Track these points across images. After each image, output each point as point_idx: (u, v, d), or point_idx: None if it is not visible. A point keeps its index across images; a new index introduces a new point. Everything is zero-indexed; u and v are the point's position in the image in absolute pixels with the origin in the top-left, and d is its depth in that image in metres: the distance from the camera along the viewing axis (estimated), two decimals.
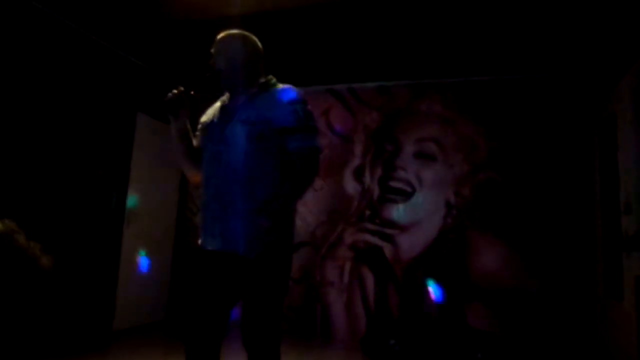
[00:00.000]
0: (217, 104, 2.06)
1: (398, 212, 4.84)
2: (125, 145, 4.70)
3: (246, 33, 2.03)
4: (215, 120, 1.98)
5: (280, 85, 1.97)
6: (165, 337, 4.78)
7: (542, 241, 4.38)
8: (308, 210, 5.10)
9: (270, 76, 2.03)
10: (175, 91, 1.93)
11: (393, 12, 3.78)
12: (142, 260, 4.73)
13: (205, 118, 2.06)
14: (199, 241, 1.94)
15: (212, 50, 2.03)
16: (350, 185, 5.05)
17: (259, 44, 2.06)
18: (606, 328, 3.92)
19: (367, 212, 4.94)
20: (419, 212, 4.78)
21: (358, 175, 5.02)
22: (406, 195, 4.85)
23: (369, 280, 4.83)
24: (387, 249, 4.81)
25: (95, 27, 4.14)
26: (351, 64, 4.76)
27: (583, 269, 4.24)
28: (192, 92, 1.96)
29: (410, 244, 4.76)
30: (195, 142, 2.05)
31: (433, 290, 4.15)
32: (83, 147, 4.16)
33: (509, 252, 4.46)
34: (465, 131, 4.79)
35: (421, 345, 3.99)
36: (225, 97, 2.05)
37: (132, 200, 4.77)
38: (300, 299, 4.93)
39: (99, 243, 4.31)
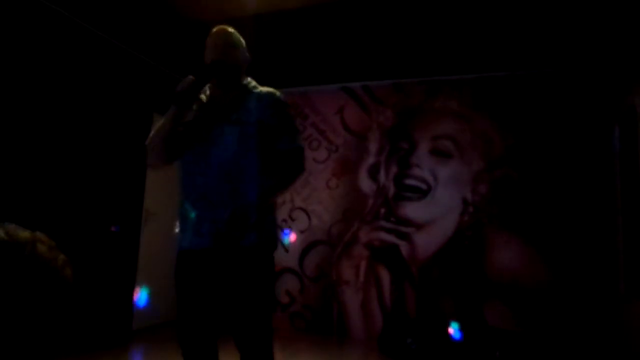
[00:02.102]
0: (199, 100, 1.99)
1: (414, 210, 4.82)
2: (141, 145, 4.74)
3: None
4: (197, 117, 1.93)
5: (261, 88, 2.00)
6: None
7: (561, 238, 4.32)
8: (323, 209, 5.10)
9: (250, 78, 2.05)
10: (187, 81, 1.87)
11: (407, 9, 3.76)
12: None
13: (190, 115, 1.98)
14: (180, 241, 1.90)
15: (220, 42, 1.96)
16: (366, 184, 5.04)
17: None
18: (627, 326, 3.85)
19: (383, 210, 4.93)
20: (435, 210, 4.75)
21: (373, 173, 5.01)
22: (422, 193, 4.82)
23: (385, 278, 4.82)
24: (403, 247, 4.79)
25: (111, 29, 4.19)
26: (365, 62, 4.75)
27: (603, 266, 4.17)
28: (198, 82, 1.88)
29: (427, 242, 4.73)
30: None
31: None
32: (100, 148, 4.21)
33: (527, 250, 4.41)
34: (481, 128, 4.74)
35: (438, 344, 3.97)
36: (204, 95, 2.00)
37: (149, 199, 4.82)
38: (317, 298, 4.94)
39: (117, 243, 4.36)
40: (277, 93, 1.98)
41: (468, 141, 4.76)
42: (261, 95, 1.95)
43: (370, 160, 5.03)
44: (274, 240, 1.92)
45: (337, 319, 4.86)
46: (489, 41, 4.17)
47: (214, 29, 1.99)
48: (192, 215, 1.85)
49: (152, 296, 4.81)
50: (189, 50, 4.65)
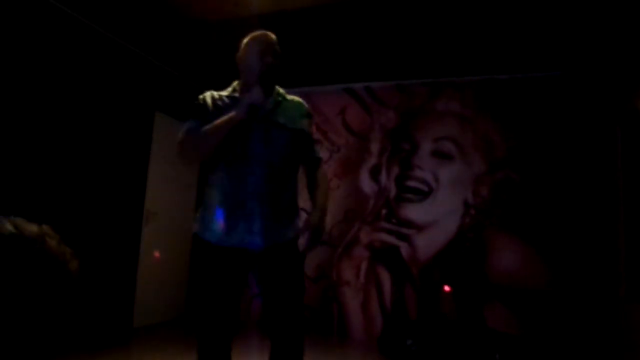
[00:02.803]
0: (226, 99, 2.02)
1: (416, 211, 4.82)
2: (143, 144, 4.76)
3: None
4: (245, 120, 1.92)
5: (291, 96, 2.10)
6: (183, 333, 4.84)
7: (563, 241, 4.31)
8: None
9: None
10: (258, 92, 1.87)
11: (410, 10, 3.76)
12: None
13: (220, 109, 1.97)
14: (213, 238, 1.93)
15: (270, 47, 2.01)
16: (367, 185, 5.04)
17: None
18: (627, 329, 3.85)
19: (384, 212, 4.93)
20: (436, 212, 4.74)
21: (374, 174, 5.01)
22: (423, 195, 4.82)
23: (386, 280, 4.82)
24: (404, 249, 4.79)
25: (114, 27, 4.20)
26: (368, 63, 4.75)
27: (604, 269, 4.16)
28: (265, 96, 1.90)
29: (428, 243, 4.73)
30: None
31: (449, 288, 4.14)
32: (102, 147, 4.22)
33: (528, 252, 4.41)
34: (483, 130, 4.74)
35: (439, 345, 3.97)
36: (238, 95, 2.01)
37: (150, 198, 4.82)
38: (317, 298, 4.94)
39: (118, 242, 4.37)
40: (306, 104, 2.13)
41: (470, 143, 4.76)
42: (295, 103, 2.08)
43: (372, 161, 5.03)
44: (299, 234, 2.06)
45: (337, 320, 4.86)
46: (491, 43, 4.17)
47: (256, 34, 2.04)
48: (240, 213, 1.90)
49: (151, 295, 4.81)
50: (191, 49, 4.66)
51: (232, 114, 1.85)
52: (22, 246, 0.71)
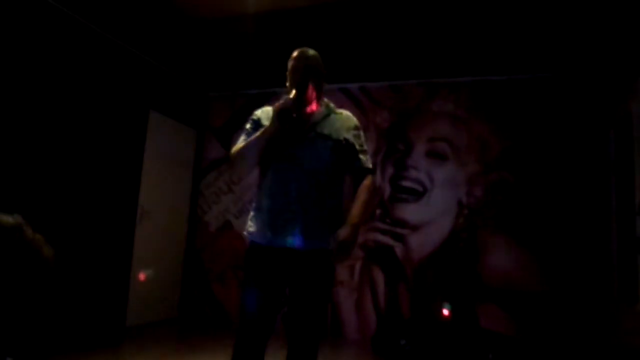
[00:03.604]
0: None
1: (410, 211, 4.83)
2: (137, 142, 4.73)
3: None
4: (290, 130, 2.11)
5: (338, 109, 2.26)
6: (177, 333, 4.82)
7: (556, 242, 4.34)
8: None
9: (327, 99, 2.27)
10: (288, 101, 2.02)
11: (406, 11, 3.77)
12: None
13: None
14: (261, 239, 2.08)
15: (303, 64, 2.17)
16: None
17: None
18: (621, 331, 3.88)
19: (378, 212, 4.94)
20: (430, 212, 4.76)
21: None
22: (417, 195, 4.83)
23: (380, 279, 4.82)
24: (398, 249, 4.80)
25: (108, 25, 4.18)
26: (363, 63, 4.75)
27: (597, 270, 4.19)
28: (295, 101, 2.04)
29: (422, 243, 4.74)
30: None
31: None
32: (96, 145, 4.20)
33: (521, 253, 4.43)
34: (477, 131, 4.75)
35: (432, 345, 3.98)
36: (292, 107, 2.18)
37: (144, 196, 4.80)
38: None
39: (111, 241, 4.35)
40: (354, 117, 2.28)
41: (464, 144, 4.78)
42: (343, 117, 2.24)
43: None
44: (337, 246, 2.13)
45: (331, 319, 4.86)
46: (486, 45, 4.19)
47: (296, 52, 2.23)
48: (284, 216, 2.06)
49: (145, 294, 4.79)
50: (187, 48, 4.64)
51: (267, 125, 2.05)
52: (2, 237, 0.72)
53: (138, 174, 4.73)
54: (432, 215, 4.75)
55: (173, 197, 5.33)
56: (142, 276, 4.52)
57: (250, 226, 2.15)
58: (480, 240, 4.57)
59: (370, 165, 2.21)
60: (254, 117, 2.22)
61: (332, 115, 2.20)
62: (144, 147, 4.81)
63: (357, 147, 2.18)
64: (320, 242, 2.03)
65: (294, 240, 2.04)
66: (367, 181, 2.17)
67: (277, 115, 2.00)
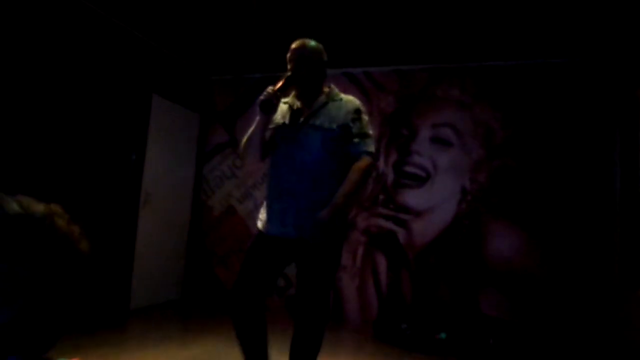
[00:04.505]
0: (283, 106, 2.29)
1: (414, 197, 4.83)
2: (140, 126, 4.73)
3: (320, 45, 2.27)
4: (286, 122, 2.24)
5: (343, 95, 2.29)
6: (180, 315, 4.88)
7: (559, 228, 4.34)
8: None
9: (332, 85, 2.33)
10: (269, 92, 2.08)
11: None
12: None
13: (275, 117, 2.26)
14: (261, 227, 2.25)
15: (295, 56, 2.21)
16: None
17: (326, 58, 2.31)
18: (622, 316, 3.89)
19: (381, 197, 4.94)
20: (433, 198, 4.76)
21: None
22: (421, 181, 4.82)
23: (382, 264, 4.85)
24: (401, 234, 4.81)
25: (111, 9, 4.15)
26: (367, 48, 4.71)
27: (600, 256, 4.20)
28: (278, 92, 2.11)
29: (424, 229, 4.75)
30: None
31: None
32: (99, 129, 4.20)
33: (524, 239, 4.43)
34: (482, 116, 4.72)
35: (433, 330, 4.01)
36: (291, 100, 2.30)
37: (147, 180, 4.82)
38: None
39: (115, 225, 4.38)
40: (357, 101, 2.28)
41: (468, 130, 4.75)
42: (343, 103, 2.25)
43: None
44: (341, 236, 2.23)
45: (333, 304, 4.90)
46: (492, 30, 4.13)
47: (294, 43, 2.23)
48: (278, 207, 2.18)
49: (149, 276, 4.84)
50: (189, 31, 4.61)
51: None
52: (29, 226, 0.68)
53: (142, 158, 4.73)
54: (435, 201, 4.75)
55: (176, 181, 5.34)
56: None
57: (259, 215, 2.31)
58: (484, 226, 4.57)
59: (367, 148, 2.19)
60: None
61: (330, 104, 2.23)
62: (147, 131, 4.81)
63: (355, 130, 2.18)
64: (315, 230, 2.08)
65: (285, 230, 2.15)
66: (360, 162, 2.16)
67: (260, 107, 2.08)
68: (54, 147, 3.74)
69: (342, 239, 2.25)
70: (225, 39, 4.63)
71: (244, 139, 2.26)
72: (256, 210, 2.45)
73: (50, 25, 3.68)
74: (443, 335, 3.91)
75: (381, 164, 4.98)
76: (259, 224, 2.29)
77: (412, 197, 4.83)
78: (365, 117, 2.27)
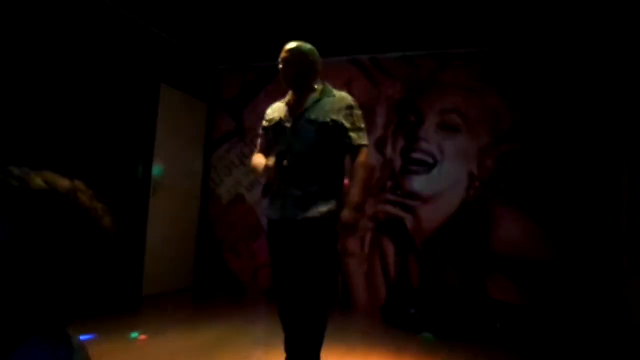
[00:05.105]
0: (281, 104, 2.55)
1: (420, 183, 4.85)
2: (149, 116, 4.78)
3: (310, 46, 2.47)
4: (284, 118, 2.45)
5: (336, 91, 2.48)
6: (192, 301, 4.96)
7: (566, 213, 4.34)
8: None
9: (326, 83, 2.52)
10: (271, 177, 2.38)
11: None
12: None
13: (273, 115, 2.53)
14: (267, 214, 2.50)
15: (287, 57, 2.42)
16: (372, 157, 5.05)
17: (318, 55, 2.51)
18: (629, 301, 3.91)
19: (389, 184, 4.96)
20: (441, 184, 4.77)
21: (380, 146, 5.02)
22: (428, 167, 4.84)
23: (390, 250, 4.88)
24: (408, 220, 4.84)
25: None
26: (374, 34, 4.69)
27: (607, 241, 4.20)
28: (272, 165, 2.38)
29: (432, 215, 4.77)
30: (265, 138, 2.59)
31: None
32: (108, 118, 4.25)
33: (531, 224, 4.44)
34: (489, 102, 4.71)
35: (441, 314, 4.05)
36: (289, 99, 2.51)
37: (157, 170, 4.87)
38: None
39: (126, 213, 4.44)
40: (349, 97, 2.47)
41: (476, 115, 4.74)
42: (335, 99, 2.43)
43: (377, 133, 5.03)
44: (335, 214, 2.37)
45: (341, 290, 4.95)
46: (499, 14, 4.10)
47: (286, 46, 2.45)
48: (278, 195, 2.40)
49: (160, 264, 4.91)
50: (197, 21, 4.62)
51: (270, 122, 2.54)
52: (53, 201, 0.67)
53: (151, 147, 4.78)
54: (442, 187, 4.77)
55: (185, 169, 5.39)
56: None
57: (266, 205, 2.55)
58: (491, 212, 4.58)
59: (362, 141, 2.40)
60: (264, 122, 2.59)
61: (324, 99, 2.41)
62: (156, 120, 4.86)
63: (348, 125, 2.37)
64: (312, 213, 2.30)
65: (285, 213, 2.37)
66: (361, 157, 2.38)
67: (263, 189, 2.48)
68: (63, 137, 3.79)
69: (335, 221, 2.38)
70: (232, 28, 4.64)
71: (251, 164, 2.63)
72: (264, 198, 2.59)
73: (58, 16, 3.71)
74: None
75: (388, 150, 4.99)
76: (266, 213, 2.54)
77: (420, 183, 4.85)
78: (358, 112, 2.45)
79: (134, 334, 3.35)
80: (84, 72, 3.97)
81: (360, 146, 2.38)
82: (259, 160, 2.52)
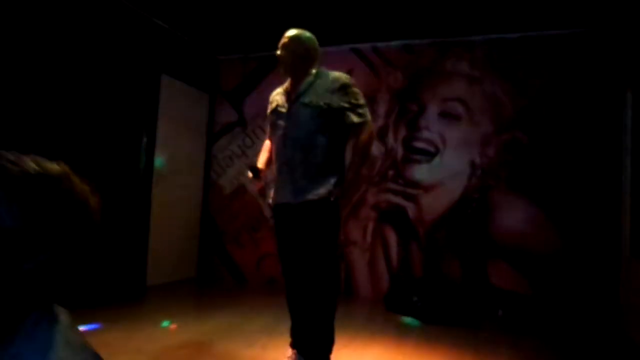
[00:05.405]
0: (280, 91, 2.58)
1: (422, 172, 4.85)
2: (150, 107, 4.77)
3: (309, 34, 2.52)
4: (281, 104, 2.50)
5: (331, 73, 2.48)
6: (195, 291, 5.00)
7: (568, 200, 4.34)
8: None
9: (322, 67, 2.54)
10: (254, 181, 2.54)
11: None
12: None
13: (274, 103, 2.57)
14: (270, 201, 2.56)
15: (285, 43, 2.47)
16: (374, 146, 5.03)
17: (316, 43, 2.54)
18: (631, 288, 3.92)
19: (391, 173, 4.96)
20: (443, 173, 4.77)
21: (381, 135, 5.01)
22: (430, 156, 4.83)
23: (392, 239, 4.90)
24: (410, 209, 4.85)
25: None
26: (375, 23, 4.67)
27: (610, 228, 4.21)
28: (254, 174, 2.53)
29: (434, 204, 4.78)
30: (268, 124, 2.65)
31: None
32: (110, 110, 4.25)
33: (533, 212, 4.45)
34: (491, 90, 4.69)
35: (443, 302, 4.07)
36: (287, 85, 2.55)
37: (159, 161, 4.88)
38: None
39: (129, 204, 4.46)
40: (344, 77, 2.45)
41: (478, 104, 4.73)
42: (328, 80, 2.43)
43: (379, 122, 5.02)
44: (335, 195, 2.41)
45: (344, 279, 4.98)
46: (500, 1, 4.07)
47: (285, 34, 2.50)
48: (279, 179, 2.45)
49: (164, 254, 4.94)
50: (197, 11, 4.60)
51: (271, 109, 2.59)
52: (48, 184, 0.69)
53: (153, 138, 4.79)
54: (444, 175, 4.77)
55: (187, 160, 5.40)
56: None
57: (270, 189, 2.59)
58: (493, 200, 4.59)
59: (362, 119, 2.40)
60: (269, 105, 2.62)
61: (318, 82, 2.43)
62: (157, 111, 4.85)
63: (346, 105, 2.38)
64: (311, 195, 2.34)
65: (286, 196, 2.42)
66: (362, 135, 2.39)
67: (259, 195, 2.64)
68: (65, 129, 3.79)
69: (336, 205, 2.42)
70: (233, 18, 4.62)
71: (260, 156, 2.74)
72: (267, 187, 2.62)
73: (58, 8, 3.69)
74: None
75: (390, 139, 4.98)
76: (269, 200, 2.58)
77: (422, 172, 4.85)
78: (356, 89, 2.44)
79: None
80: (85, 64, 3.96)
81: (361, 124, 2.39)
82: (260, 157, 2.68)
